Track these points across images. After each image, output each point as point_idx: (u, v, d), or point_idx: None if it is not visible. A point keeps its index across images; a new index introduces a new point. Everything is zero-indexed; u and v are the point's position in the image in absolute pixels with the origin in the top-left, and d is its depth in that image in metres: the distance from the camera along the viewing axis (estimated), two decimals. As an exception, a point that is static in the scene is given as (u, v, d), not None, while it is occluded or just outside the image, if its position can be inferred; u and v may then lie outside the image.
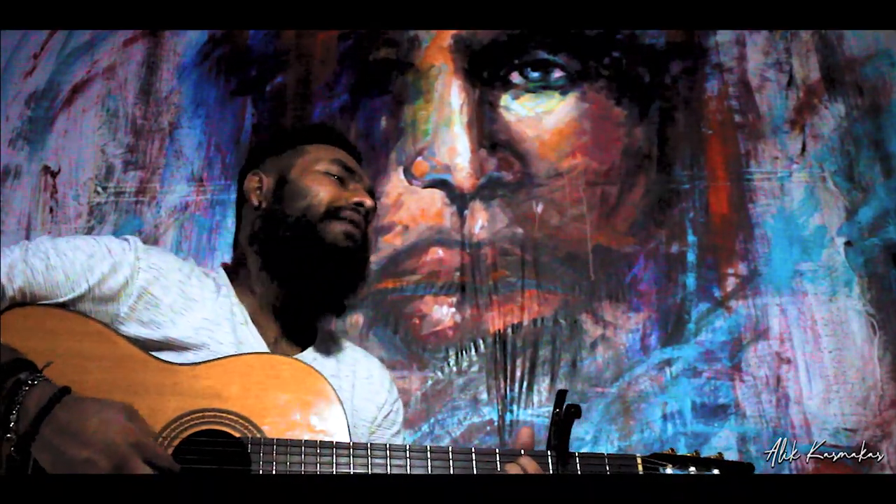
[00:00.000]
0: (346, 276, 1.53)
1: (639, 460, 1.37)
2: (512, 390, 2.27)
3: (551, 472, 1.32)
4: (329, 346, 1.60)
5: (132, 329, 1.36)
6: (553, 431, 1.34)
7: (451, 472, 1.30)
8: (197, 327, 1.39)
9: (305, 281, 1.50)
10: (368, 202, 1.55)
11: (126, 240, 1.44)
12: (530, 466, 1.30)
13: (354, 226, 1.52)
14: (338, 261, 1.50)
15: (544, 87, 2.61)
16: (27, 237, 2.48)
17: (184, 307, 1.40)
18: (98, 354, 1.31)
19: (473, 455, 1.33)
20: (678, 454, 1.42)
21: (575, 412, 1.31)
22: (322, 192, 1.53)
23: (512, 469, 1.30)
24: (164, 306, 1.39)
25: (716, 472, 1.40)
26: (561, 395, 1.34)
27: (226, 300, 1.47)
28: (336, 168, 1.58)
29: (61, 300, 1.34)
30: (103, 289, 1.36)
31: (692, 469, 1.39)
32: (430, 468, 1.31)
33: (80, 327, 1.34)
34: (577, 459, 1.33)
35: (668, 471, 1.38)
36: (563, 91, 2.60)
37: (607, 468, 1.35)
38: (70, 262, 1.36)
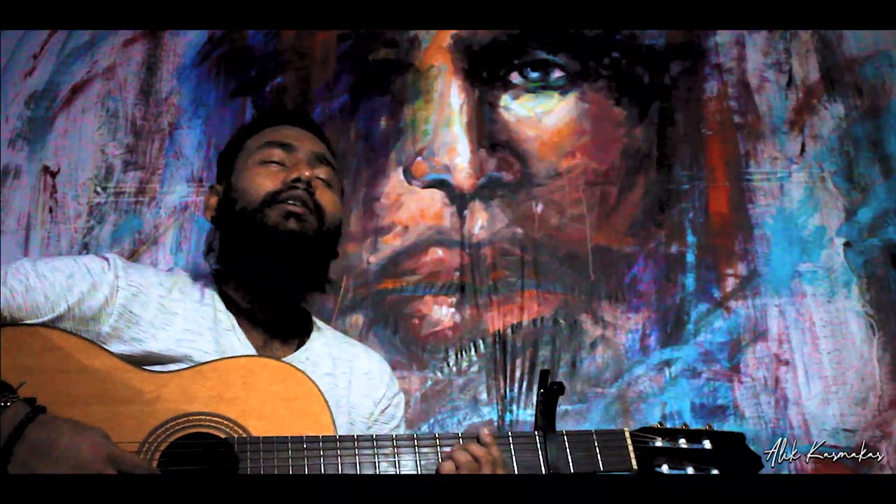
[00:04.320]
0: (308, 256, 1.48)
1: (627, 434, 1.38)
2: (512, 390, 2.27)
3: (539, 452, 1.32)
4: (324, 343, 1.59)
5: (115, 347, 1.36)
6: (539, 412, 1.35)
7: (440, 458, 1.31)
8: (178, 339, 1.38)
9: (266, 276, 1.46)
10: (305, 173, 1.47)
11: (106, 258, 1.43)
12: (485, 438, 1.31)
13: (295, 203, 1.46)
14: (291, 245, 1.45)
15: (544, 87, 2.60)
16: (27, 237, 2.48)
17: (164, 322, 1.40)
18: (79, 368, 1.31)
19: (461, 441, 1.34)
20: (667, 427, 1.42)
21: (558, 389, 1.32)
22: (260, 183, 1.48)
23: (472, 446, 1.31)
24: (145, 322, 1.38)
25: (707, 443, 1.41)
26: (544, 375, 1.36)
27: (209, 308, 1.46)
28: (269, 152, 1.50)
29: (42, 321, 1.34)
30: (83, 308, 1.36)
31: (682, 441, 1.40)
32: (417, 457, 1.31)
33: (61, 343, 1.33)
34: (566, 438, 1.34)
35: (658, 443, 1.39)
36: (563, 91, 2.60)
37: (595, 444, 1.35)
38: (49, 283, 1.35)
